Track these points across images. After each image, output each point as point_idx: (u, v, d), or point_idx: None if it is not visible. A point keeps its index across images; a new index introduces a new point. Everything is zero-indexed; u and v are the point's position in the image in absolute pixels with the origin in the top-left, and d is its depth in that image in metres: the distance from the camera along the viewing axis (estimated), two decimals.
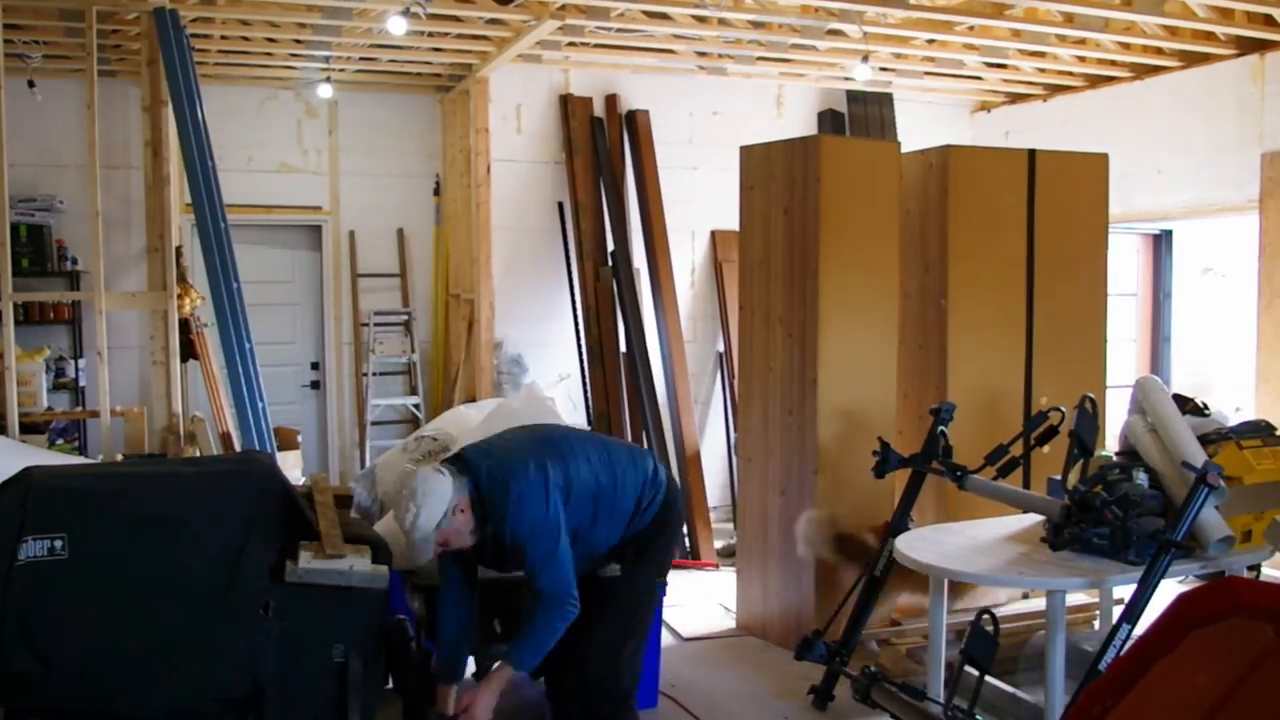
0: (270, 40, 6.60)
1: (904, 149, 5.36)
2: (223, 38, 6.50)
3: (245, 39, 6.55)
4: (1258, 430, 3.81)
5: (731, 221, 5.85)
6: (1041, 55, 7.16)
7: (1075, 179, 5.56)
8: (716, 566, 6.65)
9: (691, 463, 7.07)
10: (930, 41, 6.75)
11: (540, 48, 6.85)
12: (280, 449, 5.96)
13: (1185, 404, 3.93)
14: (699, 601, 5.89)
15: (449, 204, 7.90)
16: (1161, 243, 8.11)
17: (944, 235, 5.29)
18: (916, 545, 3.84)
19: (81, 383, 6.96)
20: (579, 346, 7.39)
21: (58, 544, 3.01)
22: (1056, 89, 7.92)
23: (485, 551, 3.34)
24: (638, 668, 3.65)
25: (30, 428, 5.80)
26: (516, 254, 7.47)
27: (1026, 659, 4.58)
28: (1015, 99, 8.27)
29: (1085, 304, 5.59)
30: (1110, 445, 4.47)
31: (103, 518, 3.11)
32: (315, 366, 8.02)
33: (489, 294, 7.33)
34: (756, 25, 6.53)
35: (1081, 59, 7.19)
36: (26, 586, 2.96)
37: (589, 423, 7.21)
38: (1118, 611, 3.59)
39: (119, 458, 5.78)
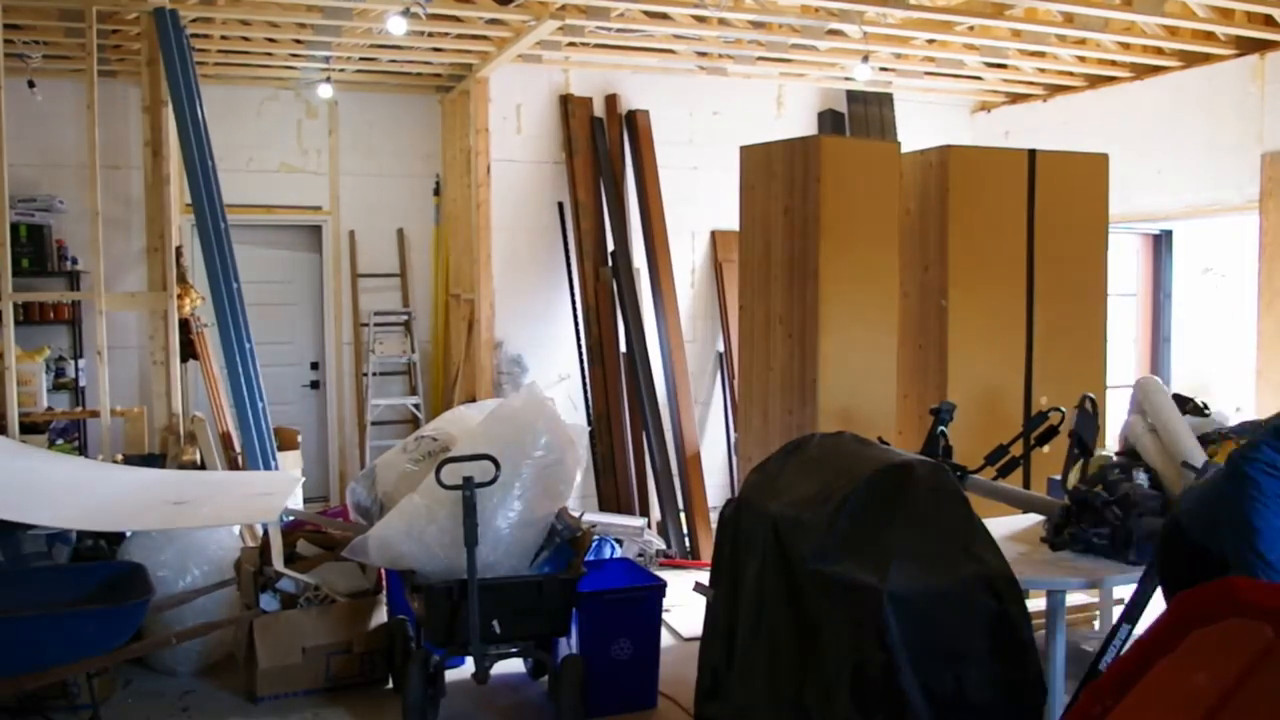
0: (270, 40, 6.60)
1: (904, 149, 5.36)
2: (223, 38, 6.50)
3: (245, 39, 6.55)
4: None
5: (731, 221, 5.84)
6: (1041, 55, 7.15)
7: (1075, 179, 5.56)
8: None
9: (691, 463, 7.07)
10: (930, 41, 6.75)
11: (540, 48, 6.84)
12: (280, 449, 5.96)
13: (1185, 404, 3.94)
14: (699, 601, 5.88)
15: (449, 204, 7.90)
16: (1161, 243, 8.11)
17: (944, 235, 5.29)
18: None
19: (81, 383, 6.96)
20: (579, 346, 7.39)
21: None
22: (1056, 89, 7.92)
23: None
24: None
25: (30, 428, 5.80)
26: (516, 254, 7.47)
27: None
28: (1015, 99, 8.27)
29: (1085, 304, 5.59)
30: (1110, 445, 4.47)
31: None
32: (315, 366, 8.02)
33: (489, 294, 7.33)
34: (756, 25, 6.53)
35: (1081, 59, 7.19)
36: None
37: (589, 422, 7.21)
38: (1118, 611, 3.59)
39: (119, 458, 5.78)
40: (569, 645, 4.42)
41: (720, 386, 7.95)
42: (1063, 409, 4.10)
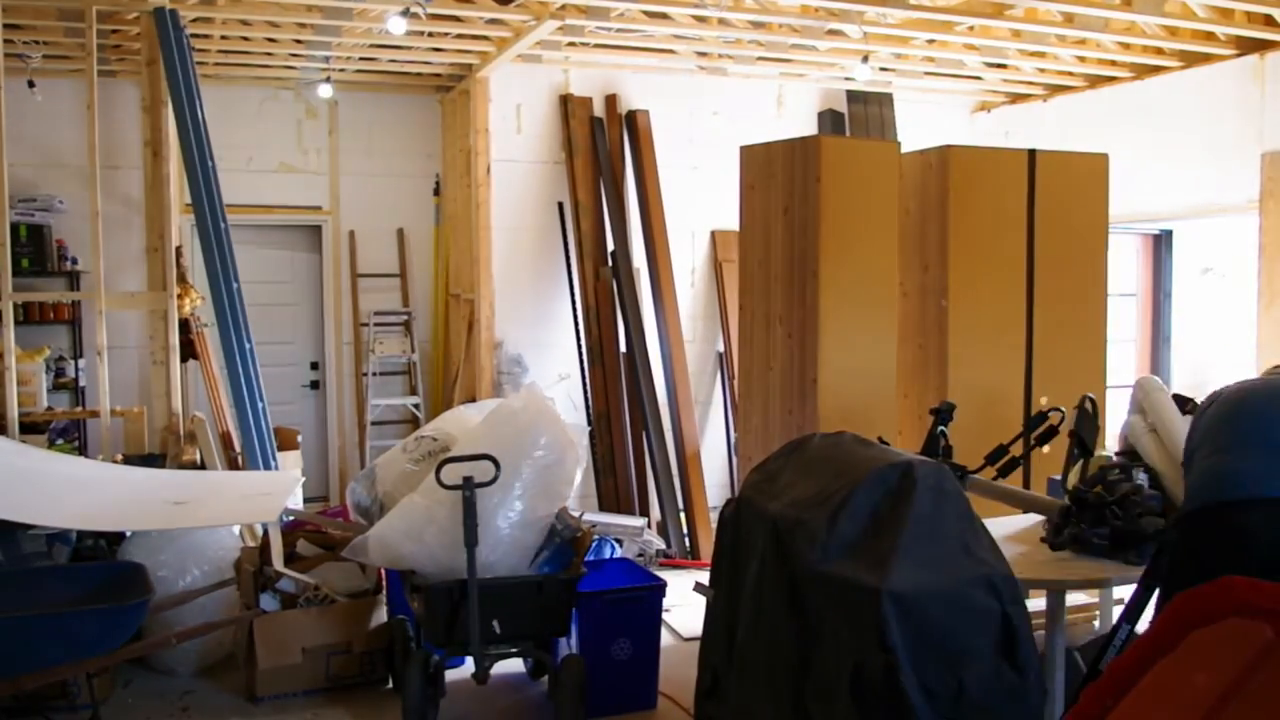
0: (270, 40, 6.60)
1: (904, 149, 5.36)
2: (223, 38, 6.50)
3: (245, 39, 6.55)
4: None
5: (731, 221, 5.84)
6: (1041, 55, 7.15)
7: (1075, 179, 5.56)
8: None
9: (691, 463, 7.07)
10: (930, 41, 6.75)
11: (540, 48, 6.85)
12: (280, 449, 5.96)
13: (1185, 404, 3.93)
14: (699, 601, 5.88)
15: (449, 204, 7.90)
16: (1161, 243, 8.11)
17: (944, 235, 5.29)
18: None
19: (81, 383, 6.96)
20: (579, 346, 7.39)
21: None
22: (1056, 89, 7.92)
23: None
24: None
25: (30, 428, 5.80)
26: (516, 254, 7.47)
27: None
28: (1015, 99, 8.27)
29: (1085, 304, 5.59)
30: (1110, 445, 4.47)
31: None
32: (315, 366, 8.02)
33: (489, 294, 7.33)
34: (756, 25, 6.53)
35: (1081, 59, 7.19)
36: None
37: (589, 422, 7.21)
38: (1118, 611, 3.59)
39: (119, 458, 5.78)
40: (569, 645, 4.42)
41: (720, 386, 7.95)
42: (1063, 409, 4.10)
